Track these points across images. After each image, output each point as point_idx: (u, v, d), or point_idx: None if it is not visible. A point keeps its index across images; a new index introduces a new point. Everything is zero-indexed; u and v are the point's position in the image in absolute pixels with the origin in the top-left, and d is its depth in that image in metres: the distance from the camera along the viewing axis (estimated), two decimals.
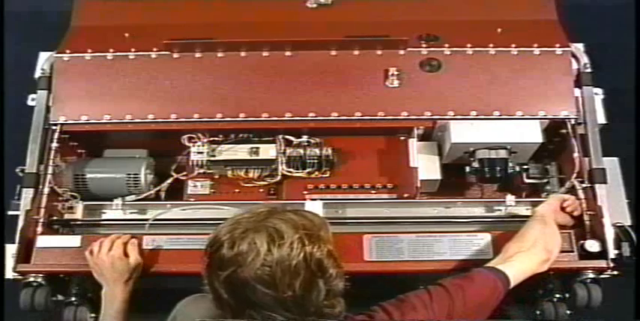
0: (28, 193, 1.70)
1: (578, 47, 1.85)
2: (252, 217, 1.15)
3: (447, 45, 1.83)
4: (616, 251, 1.57)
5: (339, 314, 1.17)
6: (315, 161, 1.84)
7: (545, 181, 1.85)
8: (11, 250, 1.59)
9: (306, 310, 1.12)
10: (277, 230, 1.12)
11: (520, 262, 1.40)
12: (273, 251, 1.10)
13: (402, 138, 1.88)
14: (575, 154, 1.72)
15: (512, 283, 1.36)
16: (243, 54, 1.84)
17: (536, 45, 1.82)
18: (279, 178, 1.85)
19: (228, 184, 1.88)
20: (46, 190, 1.70)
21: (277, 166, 1.84)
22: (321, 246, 1.14)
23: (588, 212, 1.63)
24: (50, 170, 1.72)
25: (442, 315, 1.25)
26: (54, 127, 1.80)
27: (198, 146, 1.83)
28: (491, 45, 1.83)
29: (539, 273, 1.47)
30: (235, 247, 1.11)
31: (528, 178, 1.84)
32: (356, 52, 1.83)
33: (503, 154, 1.76)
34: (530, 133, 1.76)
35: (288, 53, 1.84)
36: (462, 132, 1.76)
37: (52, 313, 1.63)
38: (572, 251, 1.56)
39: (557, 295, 1.62)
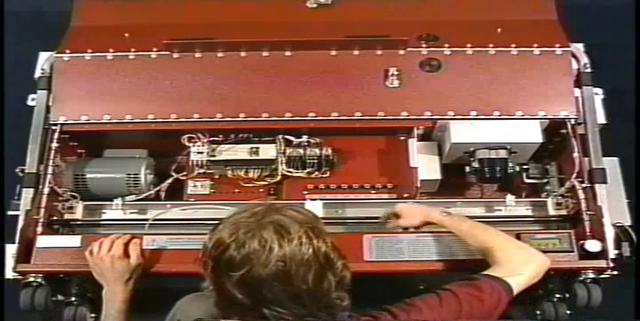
0: (28, 193, 1.70)
1: (578, 47, 1.85)
2: (251, 217, 1.15)
3: (447, 45, 1.83)
4: (616, 251, 1.58)
5: (347, 307, 1.18)
6: (315, 161, 1.84)
7: (545, 181, 1.85)
8: (11, 250, 1.59)
9: (318, 303, 1.13)
10: (282, 226, 1.12)
11: (526, 276, 1.36)
12: (285, 247, 1.10)
13: (402, 138, 1.88)
14: (575, 154, 1.72)
15: (515, 293, 1.34)
16: (243, 54, 1.84)
17: (536, 45, 1.82)
18: (279, 178, 1.85)
19: (228, 184, 1.89)
20: (46, 190, 1.70)
21: (277, 166, 1.84)
22: (325, 239, 1.15)
23: (588, 212, 1.63)
24: (50, 170, 1.72)
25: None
26: (54, 127, 1.80)
27: (198, 146, 1.83)
28: (491, 45, 1.83)
29: None
30: (246, 247, 1.11)
31: (528, 178, 1.84)
32: (356, 52, 1.83)
33: (503, 154, 1.76)
34: (530, 133, 1.76)
35: (288, 53, 1.84)
36: (462, 132, 1.76)
37: (52, 313, 1.63)
38: (572, 251, 1.56)
39: (557, 295, 1.62)
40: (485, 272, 1.35)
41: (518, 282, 1.34)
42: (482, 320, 1.27)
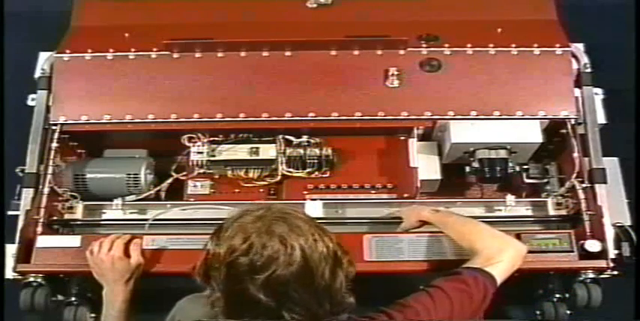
0: (28, 193, 1.70)
1: (578, 47, 1.85)
2: (257, 220, 1.14)
3: (447, 45, 1.83)
4: (616, 251, 1.57)
5: (352, 304, 1.18)
6: (315, 161, 1.84)
7: (545, 181, 1.85)
8: (11, 250, 1.59)
9: (332, 300, 1.13)
10: (295, 225, 1.13)
11: (505, 262, 1.37)
12: (303, 244, 1.11)
13: (402, 138, 1.88)
14: (575, 154, 1.72)
15: (499, 282, 1.35)
16: (243, 54, 1.84)
17: (536, 45, 1.82)
18: (279, 178, 1.85)
19: (228, 184, 1.88)
20: (46, 190, 1.70)
21: (277, 166, 1.84)
22: (330, 236, 1.16)
23: (588, 212, 1.63)
24: (50, 170, 1.72)
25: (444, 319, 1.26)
26: (54, 127, 1.80)
27: (198, 146, 1.83)
28: (491, 45, 1.83)
29: (539, 273, 1.46)
30: (268, 249, 1.09)
31: (528, 178, 1.84)
32: (356, 52, 1.83)
33: (503, 154, 1.76)
34: (530, 133, 1.76)
35: (288, 53, 1.84)
36: (462, 132, 1.76)
37: (52, 313, 1.63)
38: (572, 251, 1.56)
39: (557, 295, 1.62)
40: (465, 265, 1.36)
41: (500, 270, 1.34)
42: (472, 314, 1.28)
